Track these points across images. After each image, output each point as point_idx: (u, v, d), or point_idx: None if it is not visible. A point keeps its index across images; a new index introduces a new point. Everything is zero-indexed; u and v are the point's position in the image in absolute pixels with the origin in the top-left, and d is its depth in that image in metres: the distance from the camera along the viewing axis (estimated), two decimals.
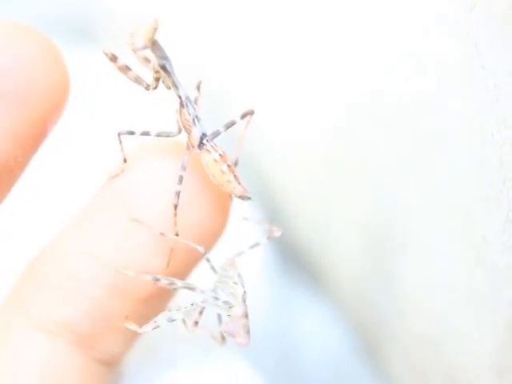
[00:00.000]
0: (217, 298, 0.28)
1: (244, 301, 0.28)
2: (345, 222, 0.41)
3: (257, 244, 0.29)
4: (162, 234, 0.28)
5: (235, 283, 0.28)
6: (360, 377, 0.42)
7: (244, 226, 0.30)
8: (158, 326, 0.28)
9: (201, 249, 0.28)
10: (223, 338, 0.30)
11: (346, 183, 0.40)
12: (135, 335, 0.30)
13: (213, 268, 0.28)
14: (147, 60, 0.27)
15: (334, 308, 0.44)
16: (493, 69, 0.28)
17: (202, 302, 0.28)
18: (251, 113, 0.29)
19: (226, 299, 0.28)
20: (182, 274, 0.30)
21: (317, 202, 0.43)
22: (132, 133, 0.28)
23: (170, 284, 0.28)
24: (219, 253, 0.29)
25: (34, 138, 0.25)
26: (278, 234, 0.29)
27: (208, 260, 0.28)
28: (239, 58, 0.45)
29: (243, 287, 0.28)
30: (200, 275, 0.30)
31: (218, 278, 0.28)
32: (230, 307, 0.28)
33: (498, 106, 0.28)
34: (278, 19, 0.41)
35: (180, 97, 0.28)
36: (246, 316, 0.27)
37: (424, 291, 0.36)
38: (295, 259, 0.45)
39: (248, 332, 0.27)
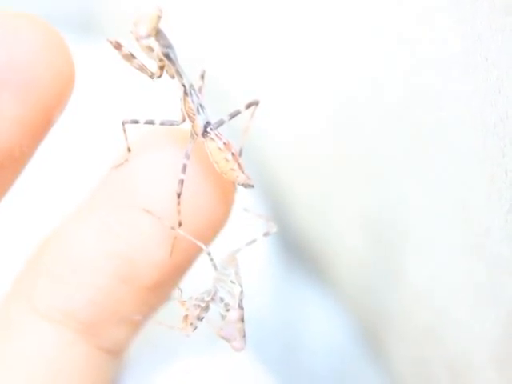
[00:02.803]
0: (222, 299, 0.28)
1: (241, 300, 0.27)
2: (348, 214, 0.41)
3: (253, 240, 0.28)
4: (164, 224, 0.28)
5: (232, 282, 0.28)
6: (362, 367, 0.42)
7: (243, 217, 0.30)
8: (196, 327, 0.28)
9: (203, 246, 0.28)
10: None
11: (348, 176, 0.40)
12: (139, 324, 0.30)
13: (214, 265, 0.28)
14: (151, 49, 0.26)
15: (337, 299, 0.44)
16: (496, 61, 0.28)
17: (210, 299, 0.28)
18: (256, 103, 0.29)
19: (227, 301, 0.28)
20: (185, 265, 0.30)
21: (320, 194, 0.43)
22: (136, 121, 0.28)
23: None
24: (217, 244, 0.29)
25: (39, 127, 0.25)
26: (274, 230, 0.29)
27: (209, 254, 0.28)
28: (241, 53, 0.45)
29: (241, 286, 0.28)
30: (196, 269, 0.30)
31: (217, 275, 0.28)
32: (227, 310, 0.28)
33: (500, 98, 0.28)
34: (281, 14, 0.41)
35: (184, 85, 0.27)
36: (242, 320, 0.27)
37: (426, 283, 0.36)
38: (298, 251, 0.46)
39: (244, 336, 0.27)
